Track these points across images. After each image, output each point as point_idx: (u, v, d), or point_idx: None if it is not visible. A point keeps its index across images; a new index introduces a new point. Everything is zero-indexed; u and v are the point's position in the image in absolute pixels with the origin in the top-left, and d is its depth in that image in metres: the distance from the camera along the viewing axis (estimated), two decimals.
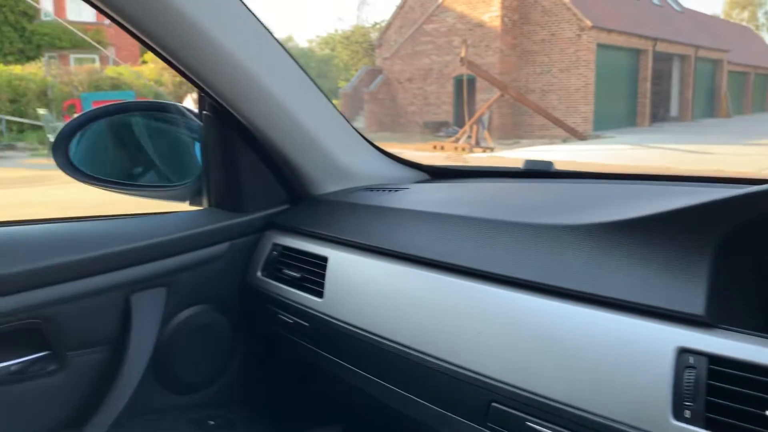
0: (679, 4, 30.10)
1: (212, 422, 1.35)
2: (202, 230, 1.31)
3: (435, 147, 15.79)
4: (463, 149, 15.00)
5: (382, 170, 1.43)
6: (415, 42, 23.06)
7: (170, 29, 1.04)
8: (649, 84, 23.24)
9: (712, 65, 28.70)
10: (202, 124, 1.35)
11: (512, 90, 18.20)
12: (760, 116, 31.36)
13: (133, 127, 1.44)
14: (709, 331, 0.67)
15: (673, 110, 26.93)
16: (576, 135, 18.23)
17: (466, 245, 0.95)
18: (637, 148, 14.99)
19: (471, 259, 0.92)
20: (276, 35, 1.20)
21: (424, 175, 1.49)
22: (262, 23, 1.14)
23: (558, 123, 18.13)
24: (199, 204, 1.42)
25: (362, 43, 36.40)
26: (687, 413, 0.64)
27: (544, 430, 0.77)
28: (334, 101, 1.32)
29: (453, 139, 16.84)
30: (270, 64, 1.18)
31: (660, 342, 0.69)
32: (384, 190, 1.31)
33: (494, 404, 0.83)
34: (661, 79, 25.85)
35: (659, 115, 25.86)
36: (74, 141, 1.33)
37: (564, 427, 0.75)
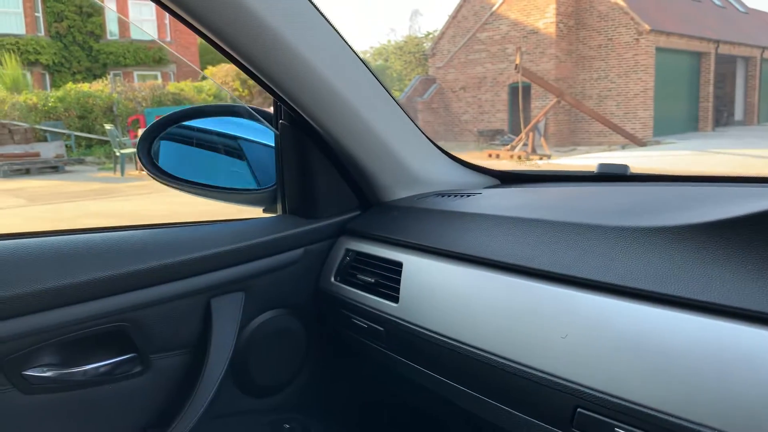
0: (743, 5, 29.12)
1: (287, 425, 1.37)
2: (278, 236, 1.33)
3: (490, 155, 15.69)
4: (519, 157, 14.85)
5: (452, 176, 1.43)
6: (468, 50, 23.00)
7: (253, 40, 1.07)
8: (711, 87, 22.52)
9: None
10: (277, 132, 1.38)
11: (569, 96, 17.93)
12: None
13: (209, 131, 1.49)
14: None
15: (738, 114, 26.00)
16: (635, 141, 17.81)
17: (546, 249, 0.94)
18: (700, 153, 14.54)
19: (553, 264, 0.91)
20: None
21: (494, 180, 1.48)
22: (338, 32, 1.16)
23: (616, 129, 17.76)
24: (273, 211, 1.45)
25: (415, 53, 36.50)
26: None
27: None
28: None
29: (508, 147, 16.70)
30: (346, 72, 1.20)
31: (759, 347, 0.66)
32: (456, 196, 1.31)
33: (580, 410, 0.82)
34: (724, 82, 25.01)
35: (723, 119, 25.01)
36: (156, 142, 1.39)
37: None
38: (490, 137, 21.33)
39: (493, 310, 0.96)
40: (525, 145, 15.84)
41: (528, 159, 14.69)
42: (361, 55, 1.20)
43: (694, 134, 21.40)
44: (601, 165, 1.34)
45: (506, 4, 21.64)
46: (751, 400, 0.65)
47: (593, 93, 20.87)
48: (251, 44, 1.08)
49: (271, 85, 1.17)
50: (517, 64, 16.23)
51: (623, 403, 0.76)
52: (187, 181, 1.39)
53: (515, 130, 19.96)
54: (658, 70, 19.90)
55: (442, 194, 1.36)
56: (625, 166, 1.31)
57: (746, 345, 0.67)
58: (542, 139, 16.26)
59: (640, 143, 17.79)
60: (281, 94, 1.19)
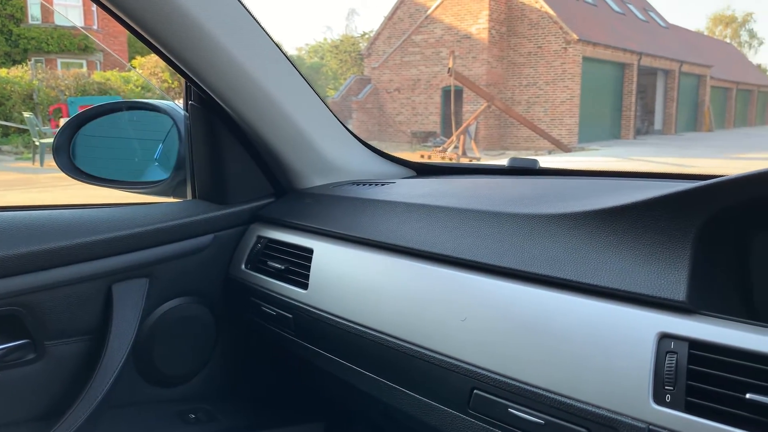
0: (663, 20, 30.53)
1: (193, 415, 1.34)
2: (186, 221, 1.30)
3: (422, 156, 15.86)
4: (450, 159, 15.07)
5: (368, 166, 1.44)
6: (403, 52, 23.16)
7: (161, 17, 1.04)
8: (633, 97, 23.50)
9: (695, 80, 29.11)
10: (187, 114, 1.34)
11: (499, 101, 18.30)
12: (742, 131, 31.87)
13: (124, 126, 1.46)
14: (690, 316, 0.67)
15: (657, 124, 27.25)
16: (561, 147, 18.36)
17: (450, 235, 0.95)
18: (622, 160, 15.14)
19: (455, 249, 0.92)
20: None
21: (410, 172, 1.49)
22: (253, 16, 1.14)
23: (543, 135, 18.26)
24: (183, 195, 1.41)
25: (351, 53, 36.52)
26: (667, 397, 0.65)
27: (526, 416, 0.77)
28: None
29: (440, 149, 16.91)
30: (260, 56, 1.18)
31: (642, 328, 0.69)
32: (370, 185, 1.31)
33: (476, 391, 0.83)
34: (645, 92, 26.17)
35: (643, 128, 26.17)
36: (73, 141, 1.39)
37: (546, 413, 0.75)
38: (423, 138, 21.55)
39: (398, 295, 0.97)
40: (456, 147, 16.08)
41: (459, 161, 14.92)
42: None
43: (616, 142, 22.30)
44: (512, 159, 1.37)
45: (441, 8, 21.92)
46: (635, 379, 0.67)
47: (522, 99, 21.41)
48: (158, 22, 1.04)
49: (177, 63, 1.13)
50: (450, 68, 16.43)
51: (517, 384, 0.78)
52: (103, 179, 1.39)
53: (447, 132, 20.24)
54: (585, 79, 20.60)
55: (357, 183, 1.36)
56: (535, 161, 1.35)
57: (630, 326, 0.70)
58: (473, 142, 16.53)
59: (566, 149, 18.36)
60: (188, 73, 1.16)
